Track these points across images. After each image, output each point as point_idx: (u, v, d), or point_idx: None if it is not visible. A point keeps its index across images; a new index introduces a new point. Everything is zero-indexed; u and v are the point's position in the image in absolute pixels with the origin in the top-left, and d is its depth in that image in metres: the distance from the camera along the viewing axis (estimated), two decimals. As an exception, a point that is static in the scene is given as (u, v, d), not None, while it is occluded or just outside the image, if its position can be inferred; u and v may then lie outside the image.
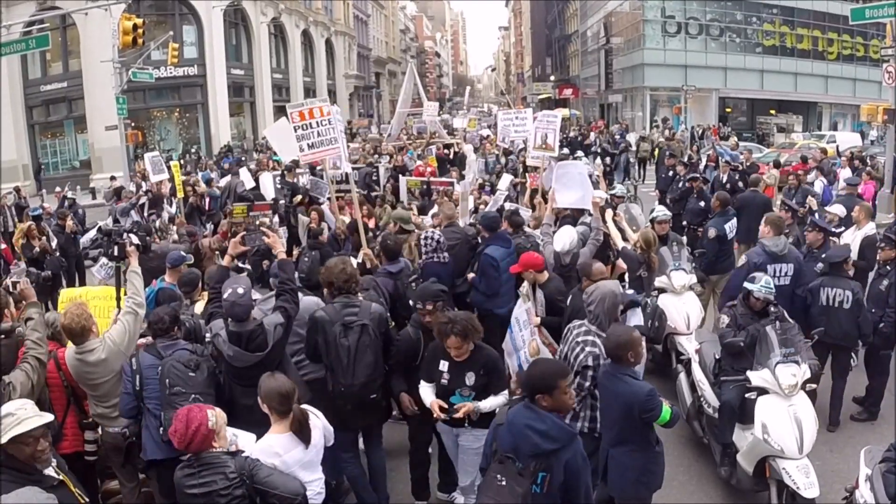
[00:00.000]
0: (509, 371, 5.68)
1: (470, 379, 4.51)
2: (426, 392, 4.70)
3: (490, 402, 4.52)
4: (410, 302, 4.89)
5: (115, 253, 5.58)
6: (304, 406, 3.89)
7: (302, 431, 3.70)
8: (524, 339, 5.77)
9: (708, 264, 8.40)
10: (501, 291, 6.79)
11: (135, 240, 5.71)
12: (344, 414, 4.86)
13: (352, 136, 30.91)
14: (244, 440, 3.70)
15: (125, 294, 4.99)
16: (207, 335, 4.75)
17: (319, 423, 3.92)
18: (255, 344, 4.43)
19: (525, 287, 6.07)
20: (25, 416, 3.18)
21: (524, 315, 5.82)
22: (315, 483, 3.79)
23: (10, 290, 5.40)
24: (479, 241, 7.87)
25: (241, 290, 4.41)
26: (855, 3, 20.52)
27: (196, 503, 3.31)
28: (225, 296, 4.43)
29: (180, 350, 4.55)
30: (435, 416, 4.54)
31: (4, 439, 3.12)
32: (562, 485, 3.43)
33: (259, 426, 4.18)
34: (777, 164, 15.26)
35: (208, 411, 3.41)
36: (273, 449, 3.61)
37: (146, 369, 4.49)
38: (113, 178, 20.38)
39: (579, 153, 18.54)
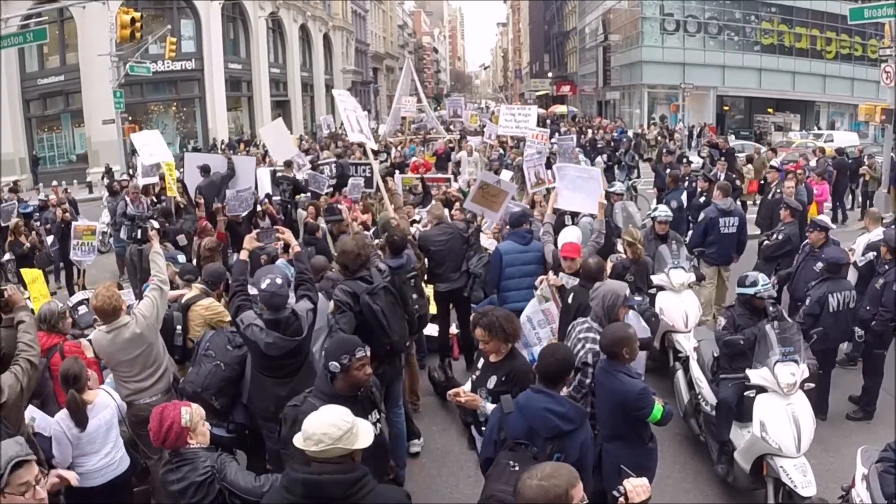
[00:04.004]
0: None
1: (491, 382, 4.31)
2: (468, 383, 4.63)
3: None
4: (329, 364, 3.75)
5: (139, 236, 6.15)
6: (102, 389, 4.38)
7: (76, 414, 4.09)
8: (539, 338, 5.82)
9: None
10: (505, 286, 6.77)
11: (156, 224, 6.18)
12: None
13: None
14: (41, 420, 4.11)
15: (152, 274, 5.17)
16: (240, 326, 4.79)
17: (105, 413, 4.26)
18: (292, 330, 4.56)
19: (545, 287, 6.05)
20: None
21: (540, 315, 5.84)
22: (98, 457, 4.19)
23: None
24: (470, 234, 7.87)
25: (279, 281, 4.60)
26: (854, 2, 20.51)
27: (176, 500, 3.37)
28: (263, 286, 4.55)
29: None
30: (449, 397, 4.45)
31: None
32: (576, 463, 3.40)
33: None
34: (749, 160, 16.62)
35: (182, 408, 3.45)
36: (58, 421, 4.10)
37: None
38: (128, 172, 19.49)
39: (577, 150, 18.45)
